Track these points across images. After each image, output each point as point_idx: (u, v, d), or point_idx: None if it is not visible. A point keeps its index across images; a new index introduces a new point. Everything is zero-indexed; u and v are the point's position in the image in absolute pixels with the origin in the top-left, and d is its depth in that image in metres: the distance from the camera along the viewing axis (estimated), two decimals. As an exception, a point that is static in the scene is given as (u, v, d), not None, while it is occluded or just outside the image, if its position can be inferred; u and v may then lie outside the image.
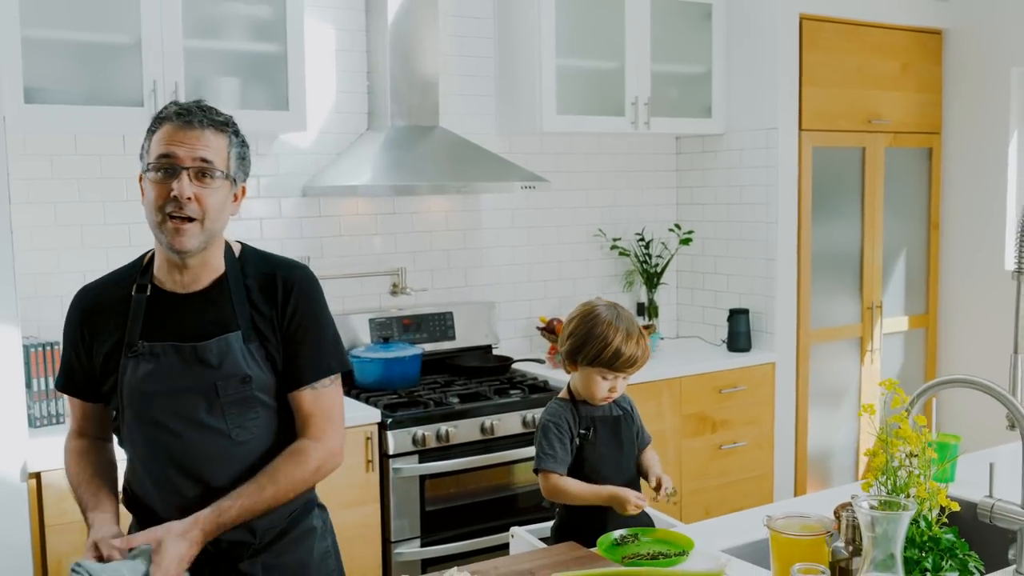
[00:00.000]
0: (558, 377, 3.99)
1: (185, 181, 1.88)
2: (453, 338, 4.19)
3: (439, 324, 4.16)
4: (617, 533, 2.13)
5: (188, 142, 1.90)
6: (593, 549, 2.10)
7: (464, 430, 3.57)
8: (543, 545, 2.40)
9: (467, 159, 3.96)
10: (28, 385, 3.21)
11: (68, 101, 3.25)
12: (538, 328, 4.43)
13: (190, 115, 1.92)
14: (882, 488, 1.67)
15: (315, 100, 3.91)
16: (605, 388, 2.47)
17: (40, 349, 3.27)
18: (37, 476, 2.91)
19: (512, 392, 3.80)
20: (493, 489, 3.68)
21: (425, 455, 3.49)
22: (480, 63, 4.36)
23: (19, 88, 3.09)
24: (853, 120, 4.68)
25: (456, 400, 3.66)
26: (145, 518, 2.02)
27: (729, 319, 4.54)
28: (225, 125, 1.97)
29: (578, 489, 2.46)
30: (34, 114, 3.15)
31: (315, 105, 3.91)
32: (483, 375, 4.02)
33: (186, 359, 1.96)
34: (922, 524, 1.65)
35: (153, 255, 2.05)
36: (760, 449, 4.49)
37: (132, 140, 3.61)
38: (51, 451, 2.96)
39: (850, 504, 1.68)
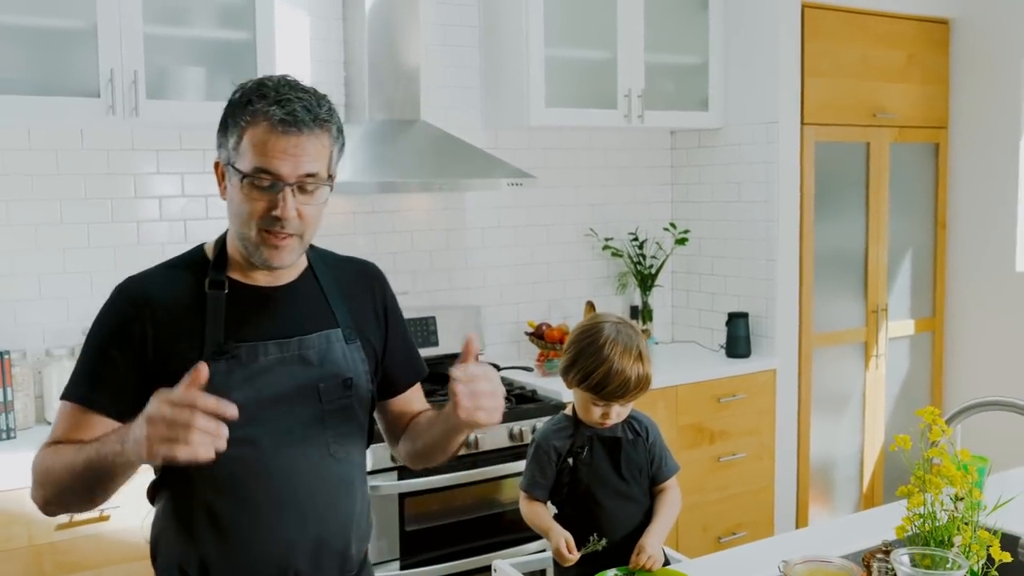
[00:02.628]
0: (548, 386, 3.77)
1: (290, 200, 1.63)
2: (436, 344, 3.96)
3: (421, 329, 3.93)
4: (611, 572, 1.90)
5: (293, 153, 1.62)
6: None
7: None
8: (529, 581, 2.18)
9: (450, 154, 3.73)
10: (-26, 398, 3.00)
11: (18, 91, 3.02)
12: (526, 333, 4.20)
13: (295, 119, 1.62)
14: (918, 532, 1.44)
15: (288, 92, 3.67)
16: (597, 413, 2.23)
17: (-11, 359, 3.05)
18: (-19, 498, 2.68)
19: (498, 402, 3.57)
20: (478, 506, 3.45)
21: (405, 471, 3.25)
22: (464, 53, 4.13)
23: (-36, 77, 2.86)
24: (857, 113, 4.47)
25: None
26: (208, 565, 1.71)
27: (728, 323, 4.32)
28: (329, 120, 1.69)
29: (534, 519, 2.27)
30: (-20, 105, 2.92)
31: (288, 97, 3.67)
32: (468, 384, 3.78)
33: (287, 359, 1.71)
34: (970, 579, 1.43)
35: (219, 248, 1.76)
36: (760, 461, 4.27)
37: (90, 134, 3.39)
38: (-3, 470, 2.76)
39: (882, 551, 1.46)
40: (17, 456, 2.92)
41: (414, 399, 1.97)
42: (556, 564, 2.28)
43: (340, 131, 1.74)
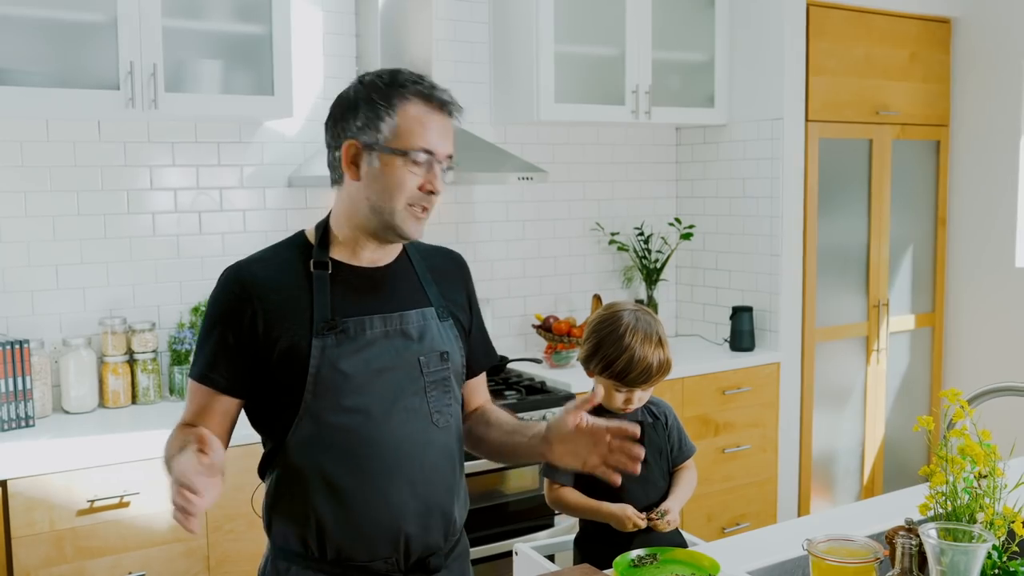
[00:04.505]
0: (556, 377, 3.82)
1: (439, 176, 1.80)
2: (445, 336, 4.00)
3: (431, 321, 3.97)
4: (634, 554, 1.95)
5: (445, 135, 1.81)
6: (609, 571, 1.92)
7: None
8: (549, 564, 2.23)
9: (460, 148, 3.68)
10: (-6, 386, 3.04)
11: (38, 83, 3.04)
12: (534, 326, 4.25)
13: (451, 103, 1.82)
14: (941, 510, 1.50)
15: (301, 86, 3.72)
16: (620, 399, 2.29)
17: (8, 347, 3.09)
18: (3, 484, 2.71)
19: (508, 393, 3.63)
20: (488, 496, 3.50)
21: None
22: (474, 48, 4.17)
23: (-15, 69, 2.90)
24: (860, 111, 4.53)
25: (450, 402, 3.47)
26: (324, 530, 1.79)
27: (732, 317, 4.37)
28: (461, 109, 1.88)
29: (577, 502, 2.30)
30: (1, 97, 2.95)
31: (301, 91, 3.72)
32: (477, 375, 3.83)
33: (389, 333, 1.83)
34: (993, 555, 1.48)
35: (322, 232, 1.88)
36: (764, 452, 4.33)
37: (107, 126, 3.42)
38: (18, 457, 2.80)
39: (905, 529, 1.51)
40: (37, 443, 2.96)
41: (480, 386, 2.09)
42: (578, 546, 2.34)
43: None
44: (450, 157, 1.82)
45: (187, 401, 1.87)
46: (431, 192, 1.79)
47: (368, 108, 1.80)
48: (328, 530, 1.78)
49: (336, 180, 1.87)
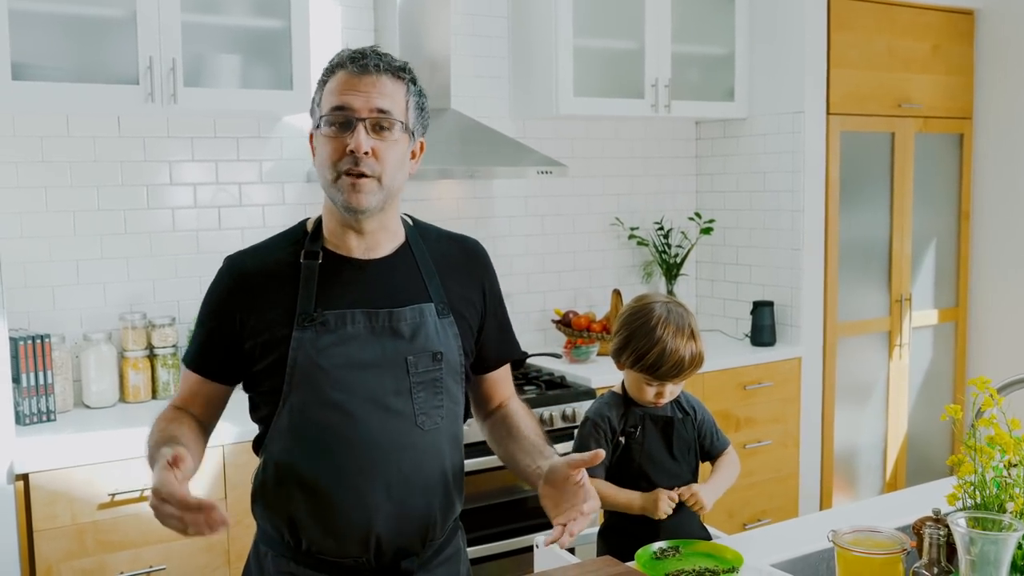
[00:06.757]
0: (576, 372, 3.80)
1: (362, 134, 1.70)
2: (465, 331, 3.99)
3: (450, 316, 3.96)
4: (657, 546, 1.94)
5: (364, 90, 1.71)
6: (631, 563, 1.90)
7: (477, 429, 3.36)
8: (570, 557, 2.21)
9: (479, 143, 3.76)
10: (16, 380, 3.06)
11: (58, 78, 3.05)
12: (553, 321, 4.23)
13: (365, 59, 1.73)
14: (969, 501, 1.47)
15: (320, 80, 3.71)
16: (651, 393, 2.26)
17: (29, 342, 3.10)
18: (25, 478, 2.73)
19: (527, 388, 3.61)
20: (508, 491, 3.49)
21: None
22: (493, 43, 4.16)
23: (6, 64, 2.90)
24: (882, 104, 4.49)
25: (469, 397, 3.46)
26: (297, 522, 1.78)
27: (753, 312, 4.34)
28: (403, 71, 1.78)
29: (609, 493, 2.27)
30: (22, 92, 2.95)
31: (320, 85, 3.71)
32: (497, 370, 3.82)
33: (376, 329, 1.76)
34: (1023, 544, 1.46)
35: (318, 222, 1.84)
36: (786, 448, 4.30)
37: (127, 121, 3.43)
38: (40, 451, 2.81)
39: (933, 519, 1.49)
40: (58, 438, 2.97)
41: (502, 380, 2.02)
42: (602, 537, 2.32)
43: (420, 93, 1.82)
44: (382, 112, 1.72)
45: (180, 383, 1.90)
46: (352, 152, 1.70)
47: (316, 91, 1.81)
48: (300, 524, 1.77)
49: None
